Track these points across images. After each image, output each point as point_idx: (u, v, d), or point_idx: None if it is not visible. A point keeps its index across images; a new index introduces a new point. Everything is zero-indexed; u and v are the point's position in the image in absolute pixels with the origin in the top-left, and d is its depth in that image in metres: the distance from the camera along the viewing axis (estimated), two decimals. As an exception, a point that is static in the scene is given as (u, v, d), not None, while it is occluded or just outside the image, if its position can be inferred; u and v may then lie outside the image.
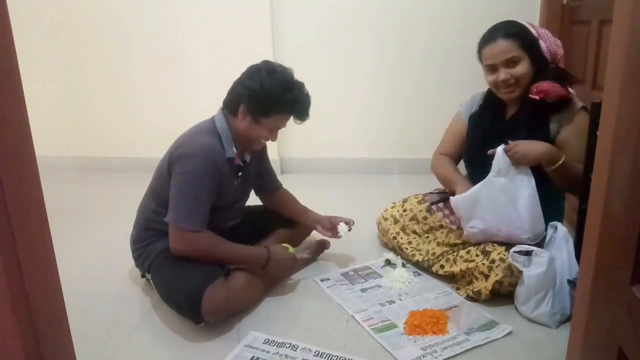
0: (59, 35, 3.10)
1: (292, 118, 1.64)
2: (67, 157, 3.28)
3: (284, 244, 1.74)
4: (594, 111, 1.52)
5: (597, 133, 0.76)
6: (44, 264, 0.78)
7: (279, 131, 1.65)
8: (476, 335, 1.43)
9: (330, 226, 1.87)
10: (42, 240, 0.77)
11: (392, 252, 1.93)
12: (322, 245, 1.96)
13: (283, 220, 1.91)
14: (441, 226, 1.86)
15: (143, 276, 1.70)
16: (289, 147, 3.14)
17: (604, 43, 2.00)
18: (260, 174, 1.87)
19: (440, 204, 1.94)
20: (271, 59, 2.89)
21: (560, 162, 1.54)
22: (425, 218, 1.91)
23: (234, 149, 1.61)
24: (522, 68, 1.60)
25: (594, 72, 2.09)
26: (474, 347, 1.39)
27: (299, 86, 1.60)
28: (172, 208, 1.51)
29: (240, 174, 1.68)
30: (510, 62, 1.60)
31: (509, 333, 1.44)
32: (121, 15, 3.00)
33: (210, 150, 1.53)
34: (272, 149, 3.08)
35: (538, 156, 1.55)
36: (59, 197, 2.69)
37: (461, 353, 1.36)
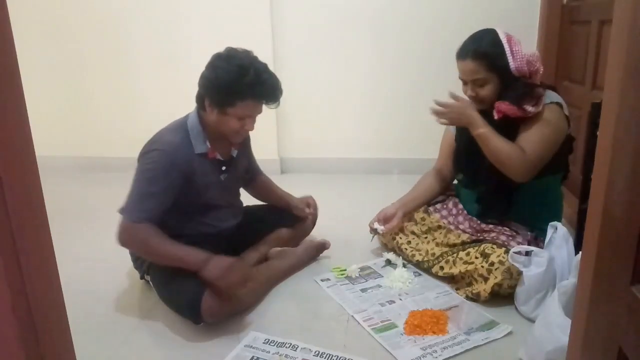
0: (60, 35, 3.10)
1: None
2: (67, 157, 3.28)
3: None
4: (594, 111, 1.52)
5: (597, 133, 0.76)
6: (44, 264, 0.78)
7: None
8: (476, 335, 1.43)
9: (304, 205, 1.93)
10: (42, 240, 0.77)
11: (392, 252, 1.93)
12: (322, 246, 1.96)
13: (284, 219, 1.91)
14: (439, 227, 1.86)
15: (142, 277, 1.70)
16: (289, 147, 3.14)
17: (604, 43, 2.00)
18: (248, 168, 1.86)
19: (438, 205, 1.95)
20: (271, 60, 2.92)
21: (476, 132, 1.62)
22: (423, 219, 1.91)
23: (207, 144, 1.58)
24: (488, 90, 1.63)
25: (594, 72, 2.09)
26: (474, 347, 1.39)
27: (258, 68, 1.49)
28: (126, 201, 1.51)
29: (224, 168, 1.66)
30: (478, 82, 1.63)
31: (509, 333, 1.44)
32: (122, 16, 3.00)
33: (168, 147, 1.50)
34: (272, 149, 3.10)
35: (466, 120, 1.64)
36: (59, 197, 2.69)
37: (461, 353, 1.37)
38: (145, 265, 1.63)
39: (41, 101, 3.11)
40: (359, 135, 3.09)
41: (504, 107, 1.59)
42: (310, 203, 1.96)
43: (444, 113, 1.68)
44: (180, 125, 1.59)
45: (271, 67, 3.03)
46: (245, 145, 1.79)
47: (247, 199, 1.96)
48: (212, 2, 2.88)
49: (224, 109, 1.50)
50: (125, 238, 1.48)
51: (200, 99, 1.56)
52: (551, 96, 1.63)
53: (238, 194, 1.83)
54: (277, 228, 1.89)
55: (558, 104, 1.62)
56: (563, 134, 1.62)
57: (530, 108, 1.58)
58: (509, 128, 1.63)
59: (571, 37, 2.40)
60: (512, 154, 1.57)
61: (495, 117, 1.61)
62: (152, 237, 1.46)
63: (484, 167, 1.69)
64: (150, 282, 1.64)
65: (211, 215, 1.65)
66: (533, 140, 1.58)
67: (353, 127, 3.08)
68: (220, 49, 1.56)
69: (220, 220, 1.69)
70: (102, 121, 3.22)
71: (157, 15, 2.96)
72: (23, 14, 3.01)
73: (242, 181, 1.85)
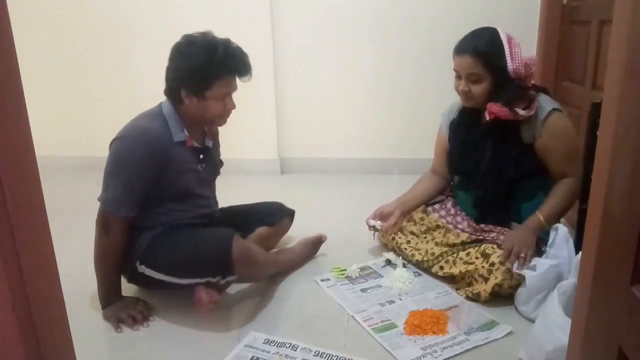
0: (60, 35, 3.10)
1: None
2: (67, 157, 3.28)
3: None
4: (594, 111, 1.52)
5: (597, 133, 0.76)
6: (44, 264, 0.78)
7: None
8: (476, 335, 1.43)
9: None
10: (42, 240, 0.77)
11: (392, 252, 1.93)
12: (318, 240, 1.96)
13: (263, 218, 1.89)
14: (438, 226, 1.86)
15: (131, 279, 1.64)
16: (289, 147, 3.14)
17: (604, 43, 2.00)
18: (220, 161, 1.84)
19: (436, 205, 1.95)
20: (271, 60, 2.92)
21: (545, 223, 1.60)
22: (422, 219, 1.91)
23: (185, 132, 1.56)
24: (481, 87, 1.63)
25: (594, 72, 2.08)
26: (474, 347, 1.39)
27: (224, 43, 1.50)
28: (104, 189, 1.50)
29: (201, 157, 1.65)
30: (472, 78, 1.63)
31: (509, 333, 1.44)
32: (122, 16, 3.00)
33: (146, 133, 1.49)
34: (272, 149, 3.10)
35: (533, 241, 1.58)
36: (59, 197, 2.69)
37: (461, 353, 1.37)
38: (137, 257, 1.56)
39: (41, 101, 3.11)
40: (359, 135, 3.09)
41: (495, 108, 1.60)
42: None
43: (511, 254, 1.55)
44: (157, 114, 1.56)
45: (271, 67, 3.04)
46: (216, 136, 1.77)
47: (229, 200, 1.95)
48: (212, 3, 2.88)
49: (203, 94, 1.49)
50: (104, 225, 1.52)
51: (173, 92, 1.54)
52: (546, 103, 1.64)
53: (214, 187, 1.80)
54: (257, 227, 1.86)
55: (557, 109, 1.63)
56: (576, 134, 1.65)
57: (521, 111, 1.58)
58: (503, 129, 1.64)
59: (571, 37, 2.40)
60: (569, 194, 1.62)
61: (487, 118, 1.62)
62: (115, 244, 1.53)
63: (479, 171, 1.70)
64: (150, 270, 1.55)
65: (190, 202, 1.63)
66: (568, 158, 1.62)
67: (353, 127, 3.08)
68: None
69: (198, 206, 1.66)
70: (103, 121, 3.20)
71: (157, 16, 2.96)
72: (23, 14, 3.01)
73: (217, 173, 1.82)
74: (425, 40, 2.85)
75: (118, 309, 1.55)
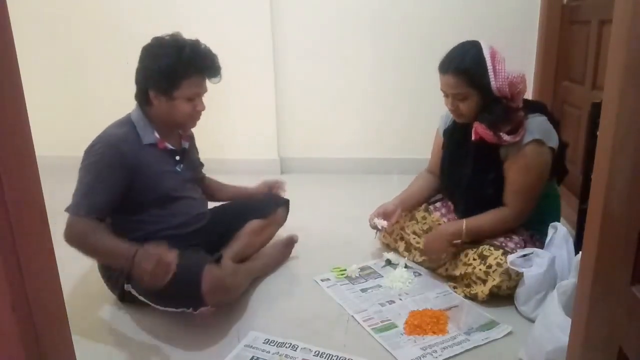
0: (59, 35, 3.10)
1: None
2: (67, 157, 3.27)
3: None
4: (594, 111, 1.53)
5: (597, 133, 0.76)
6: (44, 264, 0.78)
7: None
8: (476, 335, 1.43)
9: (267, 187, 1.99)
10: (42, 240, 0.77)
11: (392, 252, 1.93)
12: (290, 240, 1.94)
13: (255, 212, 1.85)
14: (439, 225, 1.86)
15: (122, 299, 1.58)
16: (289, 147, 3.14)
17: (604, 43, 2.00)
18: (200, 162, 1.84)
19: (438, 204, 1.95)
20: (271, 60, 2.91)
21: (464, 233, 1.64)
22: (424, 218, 1.91)
23: (156, 134, 1.56)
24: (468, 105, 1.60)
25: (594, 72, 2.09)
26: (474, 347, 1.39)
27: (192, 43, 1.52)
28: (72, 197, 1.48)
29: (178, 158, 1.63)
30: (458, 97, 1.60)
31: (509, 333, 1.44)
32: (122, 16, 3.00)
33: (113, 138, 1.50)
34: (272, 149, 3.10)
35: (441, 247, 1.68)
36: (59, 197, 2.68)
37: (461, 353, 1.37)
38: (122, 278, 1.52)
39: (41, 101, 3.11)
40: (359, 135, 3.09)
41: (480, 129, 1.57)
42: (273, 185, 1.98)
43: (432, 256, 1.72)
44: (125, 121, 1.58)
45: (271, 68, 3.03)
46: (192, 138, 1.77)
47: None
48: (212, 3, 2.88)
49: (171, 94, 1.50)
50: (68, 233, 1.41)
51: (142, 94, 1.55)
52: (532, 130, 1.54)
53: (198, 188, 1.78)
54: (249, 219, 1.82)
55: (538, 140, 1.54)
56: (547, 171, 1.60)
57: (506, 137, 1.53)
58: (487, 149, 1.61)
59: (571, 37, 2.40)
60: (497, 221, 1.63)
61: (473, 137, 1.61)
62: (91, 231, 1.41)
63: (462, 186, 1.70)
64: (134, 290, 1.51)
65: (176, 206, 1.61)
66: (516, 192, 1.59)
67: (353, 127, 3.08)
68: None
69: (187, 210, 1.63)
70: (103, 121, 3.20)
71: (157, 16, 2.96)
72: (23, 14, 3.01)
73: (198, 174, 1.80)
74: (425, 40, 2.85)
75: (143, 260, 1.33)
